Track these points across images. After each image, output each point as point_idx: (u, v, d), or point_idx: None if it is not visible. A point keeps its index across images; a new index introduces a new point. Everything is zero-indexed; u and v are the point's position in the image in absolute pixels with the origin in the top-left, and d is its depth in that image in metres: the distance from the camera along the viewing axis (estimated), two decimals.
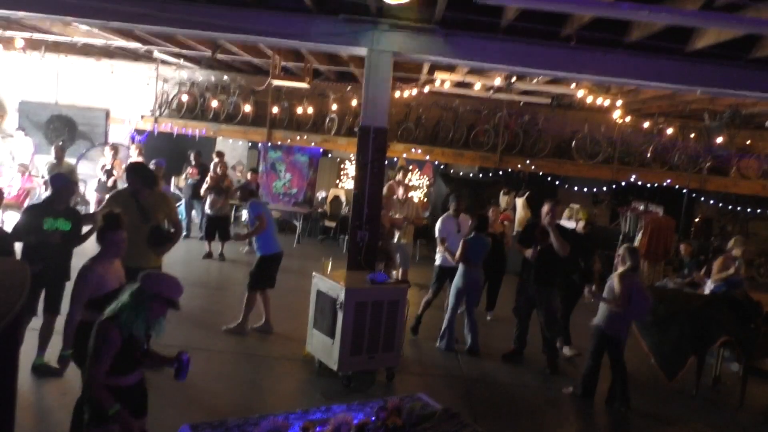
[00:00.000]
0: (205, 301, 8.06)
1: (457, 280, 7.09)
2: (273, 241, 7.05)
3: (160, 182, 7.60)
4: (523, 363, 6.89)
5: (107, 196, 5.78)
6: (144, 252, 5.23)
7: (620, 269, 5.86)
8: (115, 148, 11.42)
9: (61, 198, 5.39)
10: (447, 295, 7.54)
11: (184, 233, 11.74)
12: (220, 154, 11.27)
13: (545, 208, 6.70)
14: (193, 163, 11.70)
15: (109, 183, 10.67)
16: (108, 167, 11.00)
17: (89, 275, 3.78)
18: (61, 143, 8.80)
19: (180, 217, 12.14)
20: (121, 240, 3.90)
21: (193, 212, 12.17)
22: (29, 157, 12.46)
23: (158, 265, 5.35)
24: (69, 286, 5.51)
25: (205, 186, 10.69)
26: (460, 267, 7.08)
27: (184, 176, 12.11)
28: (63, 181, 5.51)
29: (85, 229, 5.56)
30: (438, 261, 7.60)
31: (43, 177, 9.11)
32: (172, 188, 13.06)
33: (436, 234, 7.62)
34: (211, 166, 11.08)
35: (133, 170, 5.74)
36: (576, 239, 6.96)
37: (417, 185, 14.45)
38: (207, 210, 10.70)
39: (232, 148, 13.99)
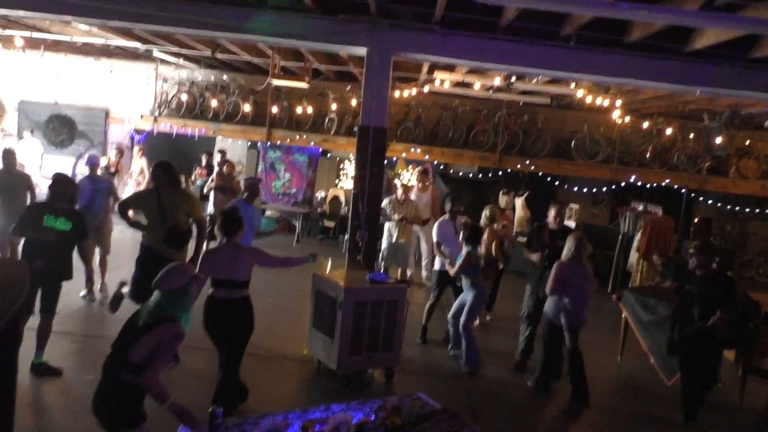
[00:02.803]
0: (204, 300, 8.02)
1: (470, 299, 6.57)
2: None
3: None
4: None
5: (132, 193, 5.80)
6: (164, 248, 5.35)
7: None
8: (121, 150, 11.25)
9: (61, 197, 5.38)
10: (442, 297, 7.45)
11: None
12: (223, 153, 11.18)
13: (552, 212, 6.55)
14: (204, 163, 11.66)
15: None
16: (112, 170, 10.86)
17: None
18: (11, 148, 8.46)
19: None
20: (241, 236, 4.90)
21: None
22: (38, 157, 12.44)
23: (182, 260, 5.47)
24: (68, 285, 5.56)
25: (210, 184, 10.57)
26: (469, 282, 6.59)
27: (193, 177, 12.08)
28: (63, 182, 5.53)
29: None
30: (437, 266, 7.30)
31: None
32: None
33: (434, 239, 7.31)
34: (216, 165, 10.93)
35: (159, 168, 5.76)
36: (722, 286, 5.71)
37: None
38: (210, 209, 10.64)
39: (232, 147, 13.96)
